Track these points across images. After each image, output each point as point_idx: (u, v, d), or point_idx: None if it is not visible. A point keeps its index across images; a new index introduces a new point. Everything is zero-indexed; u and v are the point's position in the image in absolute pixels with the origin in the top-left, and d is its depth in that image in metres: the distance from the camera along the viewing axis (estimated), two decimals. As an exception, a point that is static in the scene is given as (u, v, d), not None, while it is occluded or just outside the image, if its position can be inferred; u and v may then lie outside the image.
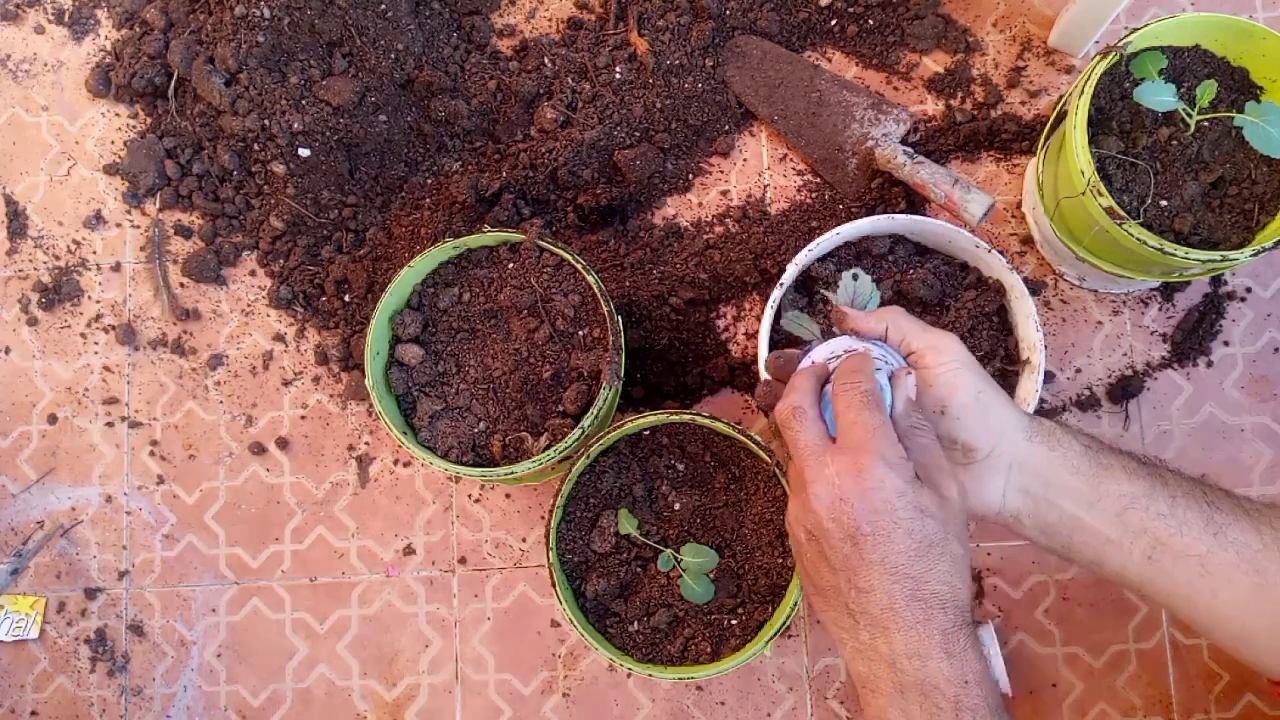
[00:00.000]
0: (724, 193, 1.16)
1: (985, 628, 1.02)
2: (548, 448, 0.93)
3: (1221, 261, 0.90)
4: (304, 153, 1.12)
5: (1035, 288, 1.10)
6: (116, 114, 1.22)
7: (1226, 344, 1.09)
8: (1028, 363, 0.96)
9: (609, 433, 0.93)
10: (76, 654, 1.13)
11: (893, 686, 0.63)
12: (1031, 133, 1.12)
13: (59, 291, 1.19)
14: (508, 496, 1.13)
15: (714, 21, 1.14)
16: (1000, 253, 0.94)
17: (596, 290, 0.96)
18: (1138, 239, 0.89)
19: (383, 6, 1.12)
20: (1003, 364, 0.98)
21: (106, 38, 1.24)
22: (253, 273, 1.18)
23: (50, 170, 1.22)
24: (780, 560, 0.92)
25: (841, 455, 0.65)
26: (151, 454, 1.16)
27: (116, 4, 1.23)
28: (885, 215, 0.98)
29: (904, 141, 1.11)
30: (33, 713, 1.13)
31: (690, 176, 1.16)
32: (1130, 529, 0.69)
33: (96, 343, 1.18)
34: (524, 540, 1.12)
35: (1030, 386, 0.94)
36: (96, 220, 1.20)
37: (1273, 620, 0.67)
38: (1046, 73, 1.14)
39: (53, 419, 1.17)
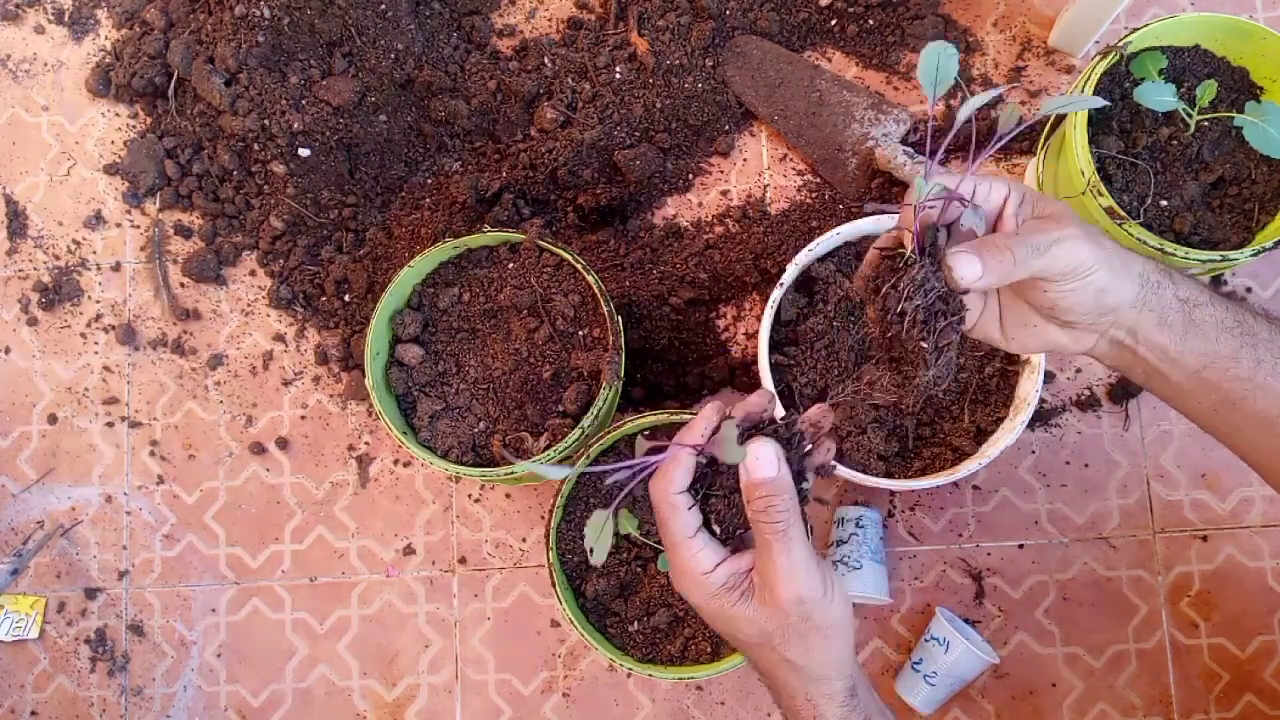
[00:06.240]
0: (724, 193, 1.16)
1: (871, 512, 1.04)
2: (548, 448, 0.93)
3: (1221, 261, 0.90)
4: (304, 153, 1.12)
5: (1035, 288, 1.10)
6: (116, 114, 1.22)
7: (1226, 344, 1.09)
8: (1028, 362, 0.96)
9: (609, 433, 0.93)
10: (76, 654, 1.13)
11: None
12: (1031, 133, 1.12)
13: (59, 291, 1.19)
14: (508, 496, 1.13)
15: (714, 21, 1.14)
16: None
17: (596, 290, 0.96)
18: (1138, 239, 0.89)
19: (383, 6, 1.12)
20: (1003, 363, 0.98)
21: (106, 38, 1.24)
22: (253, 273, 1.18)
23: (50, 170, 1.22)
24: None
25: (670, 555, 0.63)
26: (151, 454, 1.16)
27: (116, 4, 1.23)
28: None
29: (904, 141, 1.11)
30: (33, 713, 1.13)
31: (690, 176, 1.16)
32: (1205, 384, 0.67)
33: (96, 343, 1.18)
34: (524, 540, 1.12)
35: (1030, 386, 0.94)
36: (96, 220, 1.20)
37: None
38: (1046, 73, 1.14)
39: (53, 419, 1.17)
